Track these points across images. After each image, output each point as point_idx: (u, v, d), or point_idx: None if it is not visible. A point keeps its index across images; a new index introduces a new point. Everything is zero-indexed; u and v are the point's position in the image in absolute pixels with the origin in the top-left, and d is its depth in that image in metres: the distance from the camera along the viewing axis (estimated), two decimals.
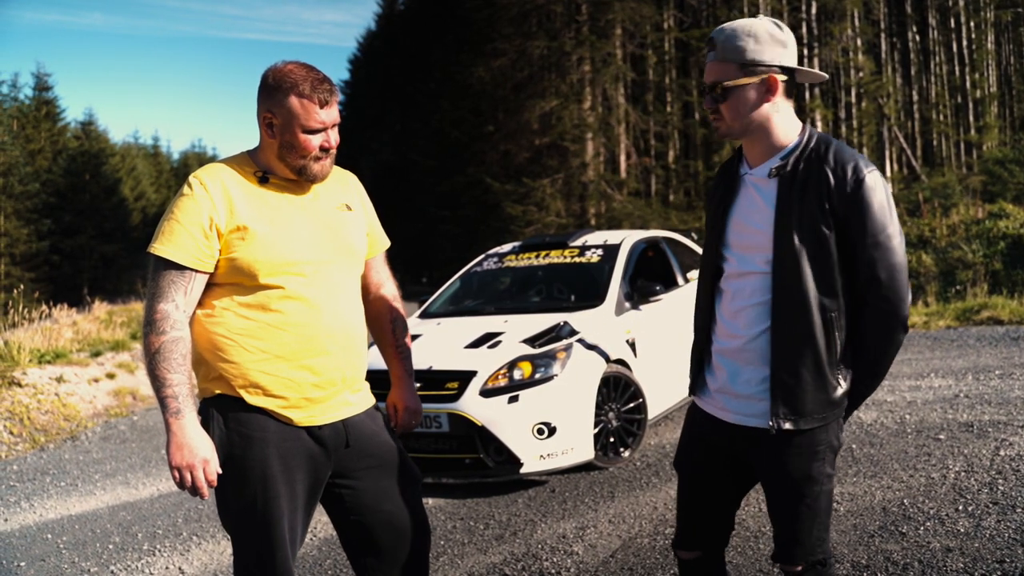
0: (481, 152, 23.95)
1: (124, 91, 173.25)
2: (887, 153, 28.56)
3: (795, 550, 1.89)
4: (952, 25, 32.32)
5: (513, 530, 3.83)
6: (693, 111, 24.13)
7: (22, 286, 15.02)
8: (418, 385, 2.37)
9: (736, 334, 1.88)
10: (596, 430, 4.60)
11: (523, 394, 4.37)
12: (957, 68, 32.27)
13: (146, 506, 4.80)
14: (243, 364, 1.89)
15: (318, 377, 1.94)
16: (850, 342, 1.83)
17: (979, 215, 15.37)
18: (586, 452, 4.50)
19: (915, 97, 31.95)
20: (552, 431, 4.36)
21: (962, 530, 3.21)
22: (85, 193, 41.98)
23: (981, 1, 32.10)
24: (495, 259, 6.23)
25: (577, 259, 5.74)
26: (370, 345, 2.58)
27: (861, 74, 27.27)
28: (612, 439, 4.73)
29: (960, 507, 3.46)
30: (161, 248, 1.86)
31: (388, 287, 2.30)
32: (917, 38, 32.17)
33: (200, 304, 1.93)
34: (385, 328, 2.30)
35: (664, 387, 5.27)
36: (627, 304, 5.26)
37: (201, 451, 1.81)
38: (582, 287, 5.56)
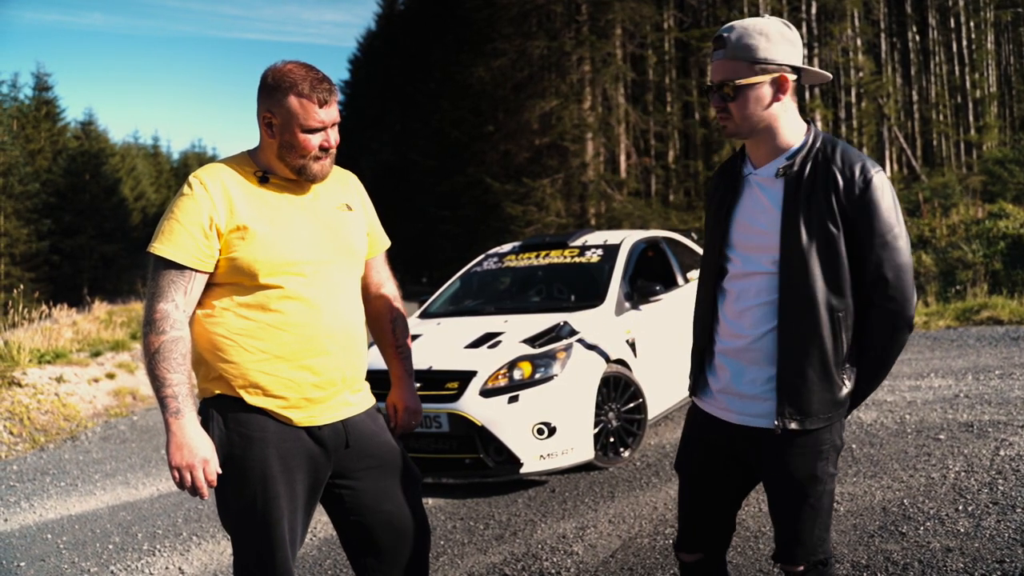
0: (481, 152, 23.96)
1: (124, 91, 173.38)
2: (887, 153, 28.57)
3: (797, 550, 1.89)
4: (952, 25, 32.33)
5: (513, 530, 3.83)
6: (693, 111, 24.14)
7: (22, 286, 15.02)
8: (418, 385, 2.37)
9: (740, 334, 1.88)
10: (596, 430, 4.60)
11: (523, 394, 4.37)
12: (957, 68, 32.28)
13: (146, 506, 4.80)
14: (243, 364, 1.89)
15: (318, 377, 1.94)
16: (855, 342, 1.84)
17: (979, 215, 15.38)
18: (586, 452, 4.50)
19: (915, 97, 31.96)
20: (552, 431, 4.36)
21: (962, 530, 3.21)
22: (85, 193, 41.99)
23: (981, 1, 32.11)
24: (495, 259, 6.23)
25: (577, 259, 5.74)
26: (370, 345, 2.58)
27: (861, 74, 27.28)
28: (612, 439, 4.73)
29: (960, 507, 3.46)
30: (161, 248, 1.86)
31: (388, 287, 2.30)
32: (917, 38, 32.18)
33: (200, 304, 1.92)
34: (385, 328, 2.30)
35: (664, 387, 5.27)
36: (627, 304, 5.26)
37: (201, 451, 1.81)
38: (582, 287, 5.56)
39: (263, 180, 1.97)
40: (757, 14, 19.25)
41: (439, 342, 4.92)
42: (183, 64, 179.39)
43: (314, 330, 1.92)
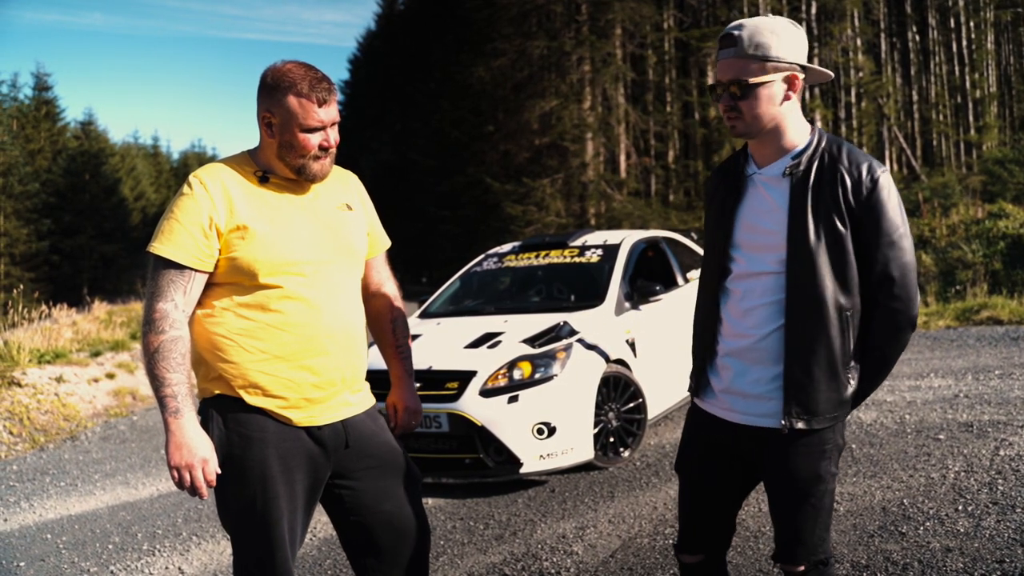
0: (481, 152, 23.95)
1: (124, 91, 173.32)
2: (887, 153, 28.57)
3: (798, 550, 1.89)
4: (952, 25, 32.32)
5: (513, 530, 3.83)
6: (693, 111, 24.13)
7: (22, 286, 15.01)
8: (418, 385, 2.37)
9: (745, 333, 1.87)
10: (596, 430, 4.60)
11: (523, 394, 4.37)
12: (957, 68, 32.28)
13: (146, 506, 4.80)
14: (242, 364, 1.89)
15: (318, 377, 1.93)
16: (859, 341, 1.84)
17: (979, 215, 15.38)
18: (586, 452, 4.50)
19: (915, 97, 31.96)
20: (552, 431, 4.36)
21: (962, 530, 3.21)
22: (85, 193, 41.98)
23: (981, 1, 32.11)
24: (495, 259, 6.23)
25: (577, 259, 5.74)
26: (370, 345, 2.58)
27: (861, 74, 27.29)
28: (612, 439, 4.72)
29: (960, 507, 3.46)
30: (161, 247, 1.86)
31: (389, 287, 2.30)
32: (917, 38, 32.18)
33: (200, 304, 1.92)
34: (385, 328, 2.30)
35: (664, 387, 5.27)
36: (627, 304, 5.25)
37: (200, 451, 1.81)
38: (582, 287, 5.56)
39: (263, 180, 1.97)
40: (757, 14, 19.30)
41: (439, 342, 4.92)
42: (183, 64, 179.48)
43: (314, 330, 1.92)
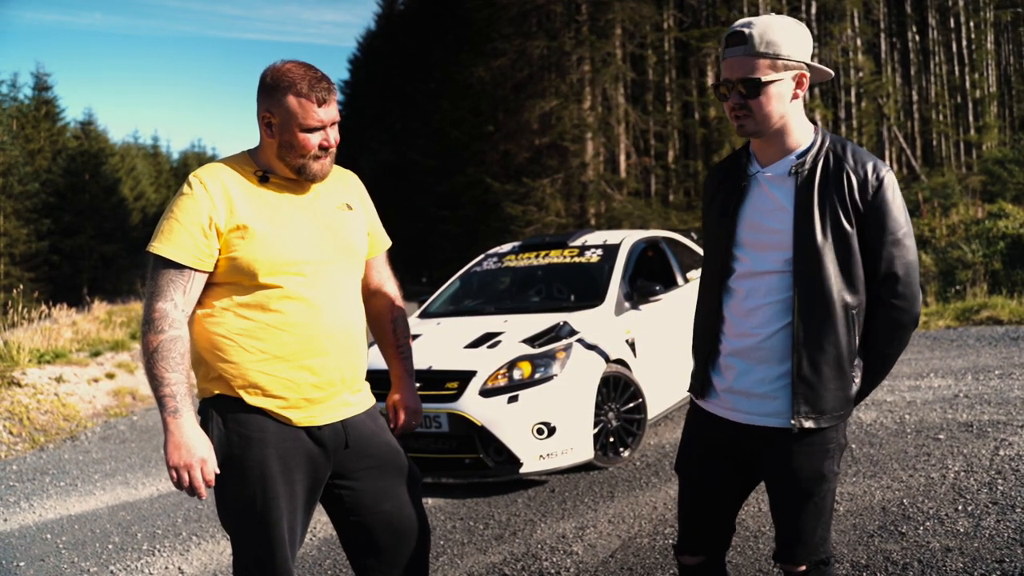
0: (481, 152, 23.94)
1: (124, 91, 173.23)
2: (887, 153, 28.57)
3: (798, 550, 1.89)
4: (952, 25, 32.33)
5: (513, 530, 3.83)
6: (693, 111, 24.12)
7: (22, 286, 15.00)
8: (418, 385, 2.37)
9: (749, 332, 1.87)
10: (596, 430, 4.60)
11: (523, 394, 4.37)
12: (957, 68, 32.29)
13: (145, 506, 4.80)
14: (242, 364, 1.88)
15: (317, 378, 1.93)
16: (862, 340, 1.85)
17: (979, 215, 15.38)
18: (586, 452, 4.50)
19: (915, 97, 31.96)
20: (552, 431, 4.36)
21: (961, 530, 3.21)
22: (85, 193, 41.97)
23: (981, 1, 32.11)
24: (495, 259, 6.23)
25: (577, 259, 5.74)
26: (370, 345, 2.58)
27: (861, 74, 27.29)
28: (612, 439, 4.72)
29: (959, 507, 3.46)
30: (160, 247, 1.86)
31: (389, 287, 2.30)
32: (917, 38, 32.18)
33: (200, 304, 1.92)
34: (386, 328, 2.30)
35: (664, 387, 5.27)
36: (627, 304, 5.25)
37: (199, 451, 1.81)
38: (582, 287, 5.56)
39: (263, 180, 1.96)
40: (757, 13, 19.30)
41: (439, 342, 4.92)
42: (183, 64, 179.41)
43: (314, 330, 1.92)
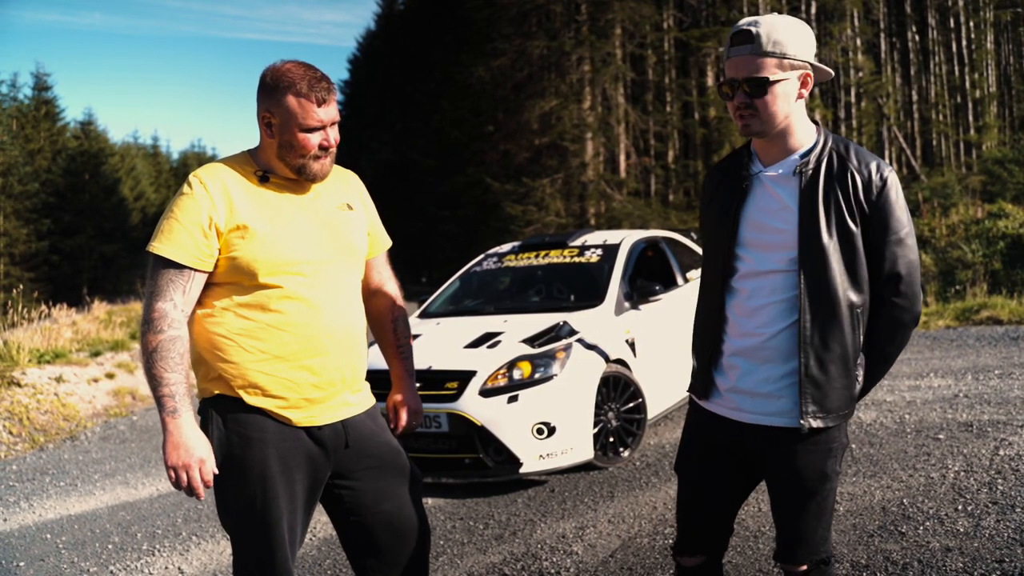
0: (481, 152, 23.94)
1: (124, 91, 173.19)
2: (887, 153, 28.57)
3: (800, 549, 1.89)
4: (952, 25, 32.32)
5: (513, 530, 3.83)
6: (693, 111, 24.12)
7: (21, 286, 14.99)
8: (417, 385, 2.37)
9: (753, 332, 1.87)
10: (596, 430, 4.60)
11: (523, 394, 4.37)
12: (956, 68, 32.28)
13: (145, 506, 4.80)
14: (242, 364, 1.88)
15: (317, 378, 1.93)
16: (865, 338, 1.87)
17: (978, 215, 15.38)
18: (586, 452, 4.50)
19: (915, 97, 31.96)
20: (552, 431, 4.36)
21: (961, 530, 3.21)
22: (84, 193, 41.98)
23: (981, 1, 32.10)
24: (495, 259, 6.23)
25: (576, 259, 5.74)
26: (370, 344, 2.58)
27: (861, 74, 27.28)
28: (612, 439, 4.72)
29: (959, 507, 3.46)
30: (160, 247, 1.85)
31: (390, 287, 2.30)
32: (917, 38, 32.18)
33: (200, 304, 1.92)
34: (387, 328, 2.30)
35: (664, 387, 5.27)
36: (627, 304, 5.26)
37: (197, 451, 1.81)
38: (582, 287, 5.56)
39: (263, 179, 1.96)
40: (757, 13, 19.31)
41: (439, 342, 4.92)
42: (183, 64, 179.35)
43: (314, 330, 1.92)
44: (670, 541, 3.43)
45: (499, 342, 4.70)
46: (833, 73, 1.91)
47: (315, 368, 1.93)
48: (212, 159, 2.61)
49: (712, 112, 23.06)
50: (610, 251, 5.66)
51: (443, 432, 4.44)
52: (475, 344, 4.74)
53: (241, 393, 1.89)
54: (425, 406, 4.27)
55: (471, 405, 4.36)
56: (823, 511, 1.88)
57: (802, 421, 1.81)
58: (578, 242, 5.97)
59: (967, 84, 32.13)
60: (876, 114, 28.34)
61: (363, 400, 2.08)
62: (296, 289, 1.91)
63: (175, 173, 66.39)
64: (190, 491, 1.81)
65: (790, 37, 1.78)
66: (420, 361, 4.55)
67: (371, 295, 2.27)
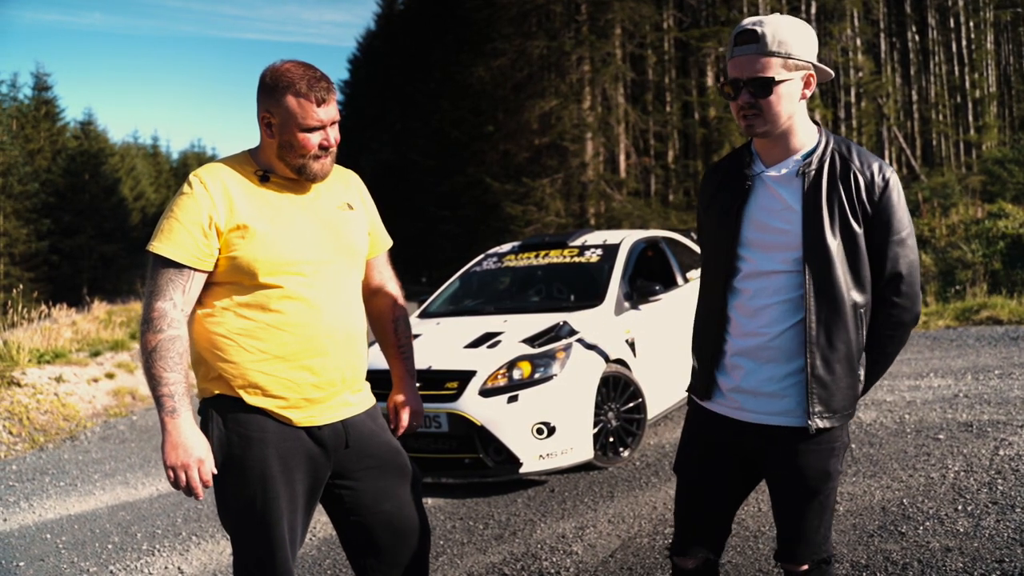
0: (481, 152, 23.95)
1: (124, 91, 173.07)
2: (887, 153, 28.57)
3: (801, 549, 1.90)
4: (951, 25, 32.32)
5: (512, 530, 3.83)
6: (693, 111, 24.12)
7: (21, 286, 14.99)
8: (417, 385, 2.36)
9: (756, 332, 1.87)
10: (595, 430, 4.60)
11: (522, 394, 4.37)
12: (956, 68, 32.28)
13: (145, 506, 4.79)
14: (242, 364, 1.88)
15: (317, 378, 1.93)
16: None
17: (978, 215, 15.39)
18: (585, 452, 4.50)
19: (914, 97, 31.96)
20: (551, 431, 4.36)
21: (961, 530, 3.21)
22: (84, 193, 41.99)
23: (981, 1, 32.10)
24: (494, 259, 6.23)
25: (576, 259, 5.74)
26: (371, 344, 2.58)
27: (861, 74, 27.28)
28: (611, 439, 4.72)
29: (959, 507, 3.46)
30: (160, 246, 1.85)
31: (391, 286, 2.30)
32: (916, 38, 32.18)
33: (200, 303, 1.92)
34: (387, 328, 2.30)
35: (664, 387, 5.27)
36: (626, 304, 5.26)
37: (196, 451, 1.81)
38: (581, 287, 5.56)
39: (264, 179, 1.96)
40: (757, 13, 19.29)
41: (439, 342, 4.92)
42: (183, 64, 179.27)
43: (314, 330, 1.92)
44: (670, 541, 3.42)
45: (499, 342, 4.70)
46: (833, 74, 1.92)
47: (315, 368, 1.93)
48: (212, 159, 2.61)
49: (712, 112, 23.07)
50: (610, 251, 5.66)
51: (443, 432, 4.44)
52: (475, 344, 4.74)
53: (241, 393, 1.89)
54: (425, 406, 4.27)
55: (471, 405, 4.36)
56: (825, 510, 1.88)
57: (809, 422, 1.81)
58: (578, 242, 5.97)
59: (967, 84, 32.13)
60: (876, 114, 28.35)
61: (363, 400, 2.08)
62: (296, 289, 1.91)
63: (175, 173, 66.38)
64: (189, 491, 1.81)
65: (795, 37, 1.78)
66: (420, 361, 4.55)
67: (372, 295, 2.27)
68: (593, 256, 5.68)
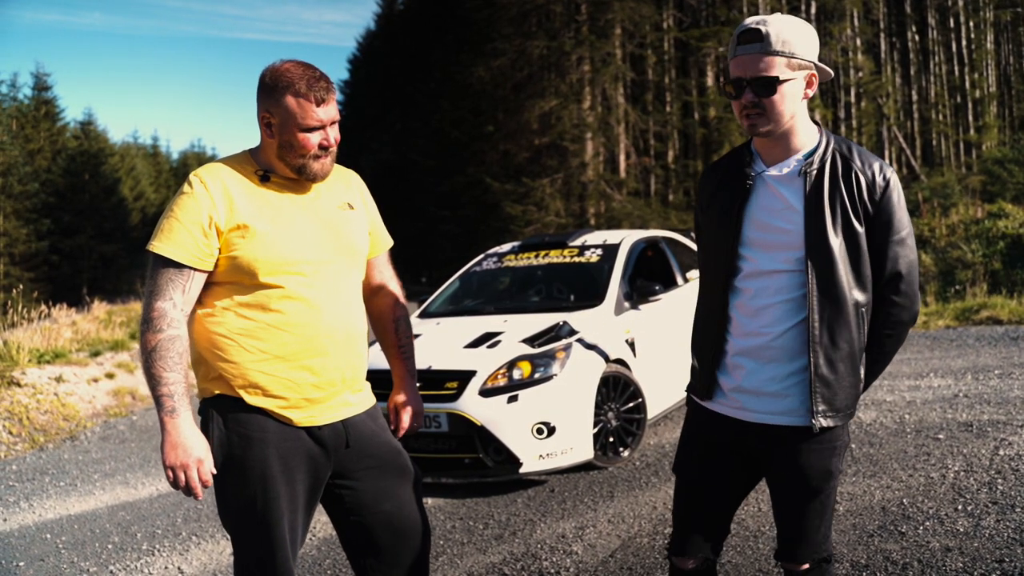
0: (481, 152, 23.95)
1: (124, 91, 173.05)
2: (887, 153, 28.57)
3: (801, 547, 1.90)
4: (951, 25, 32.33)
5: (512, 530, 3.83)
6: (693, 111, 24.12)
7: (21, 286, 14.99)
8: (418, 385, 2.36)
9: (758, 332, 1.87)
10: (595, 430, 4.60)
11: (522, 394, 4.37)
12: (956, 68, 32.28)
13: (145, 506, 4.79)
14: (243, 364, 1.88)
15: (318, 377, 1.93)
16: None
17: (978, 215, 15.39)
18: (585, 452, 4.50)
19: (914, 97, 31.96)
20: (551, 431, 4.36)
21: (961, 529, 3.21)
22: (84, 193, 41.99)
23: (981, 1, 32.11)
24: (494, 259, 6.23)
25: (576, 259, 5.74)
26: (371, 344, 2.58)
27: (860, 74, 27.29)
28: (611, 439, 4.72)
29: (959, 507, 3.46)
30: (160, 246, 1.85)
31: (392, 286, 2.30)
32: (916, 38, 32.18)
33: (200, 303, 1.92)
34: (388, 328, 2.29)
35: (663, 387, 5.27)
36: (626, 304, 5.26)
37: (195, 451, 1.81)
38: (581, 287, 5.56)
39: (264, 179, 1.96)
40: (756, 13, 19.30)
41: (438, 342, 4.92)
42: (183, 64, 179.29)
43: (314, 330, 1.92)
44: (668, 541, 3.43)
45: (499, 342, 4.70)
46: (832, 73, 1.92)
47: (315, 368, 1.93)
48: (212, 159, 2.61)
49: (712, 112, 23.07)
50: (610, 251, 5.66)
51: (443, 432, 4.44)
52: (475, 344, 4.74)
53: (242, 393, 1.89)
54: (425, 406, 4.27)
55: (471, 405, 4.36)
56: (825, 509, 1.89)
57: (813, 421, 1.82)
58: (578, 242, 5.97)
59: (967, 84, 32.14)
60: (876, 114, 28.35)
61: (364, 400, 2.08)
62: (296, 289, 1.91)
63: (175, 173, 66.38)
64: (188, 491, 1.81)
65: (798, 37, 1.79)
66: (420, 361, 4.55)
67: (372, 295, 2.26)
68: (593, 256, 5.68)
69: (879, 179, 1.81)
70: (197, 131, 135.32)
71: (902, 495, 3.69)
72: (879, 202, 1.80)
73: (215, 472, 1.86)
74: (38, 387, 7.58)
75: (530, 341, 4.66)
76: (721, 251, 1.93)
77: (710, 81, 23.82)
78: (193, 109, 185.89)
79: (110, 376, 8.57)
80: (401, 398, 2.30)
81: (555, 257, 5.87)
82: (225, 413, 1.90)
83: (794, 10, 24.88)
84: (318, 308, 1.93)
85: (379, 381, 2.51)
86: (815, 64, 1.83)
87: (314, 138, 1.91)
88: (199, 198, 1.87)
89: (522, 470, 4.33)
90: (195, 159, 70.76)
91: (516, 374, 4.44)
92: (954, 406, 5.27)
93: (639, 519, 3.79)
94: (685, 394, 2.13)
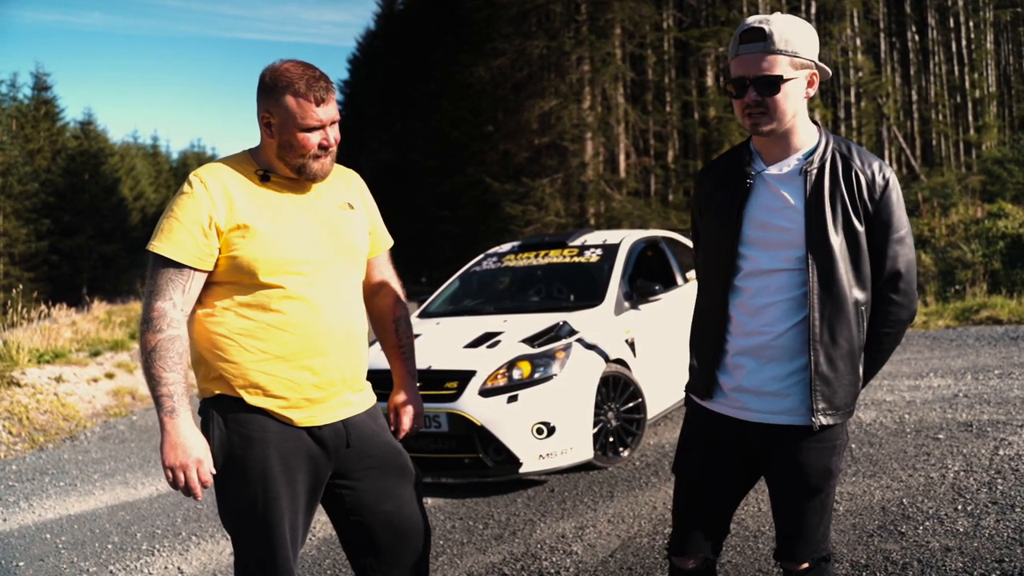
0: (481, 152, 23.95)
1: (124, 91, 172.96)
2: (886, 153, 28.57)
3: (801, 547, 1.90)
4: (951, 25, 32.32)
5: (512, 530, 3.83)
6: (692, 111, 24.12)
7: (21, 286, 14.98)
8: (417, 385, 2.36)
9: (759, 331, 1.87)
10: (595, 430, 4.60)
11: (522, 394, 4.37)
12: (956, 68, 32.28)
13: (145, 506, 4.79)
14: (243, 364, 1.88)
15: (318, 377, 1.93)
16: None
17: (978, 215, 15.39)
18: (585, 452, 4.50)
19: (914, 97, 31.96)
20: (551, 431, 4.36)
21: (961, 529, 3.21)
22: (84, 193, 41.98)
23: (980, 1, 32.11)
24: (494, 259, 6.23)
25: (576, 259, 5.74)
26: (371, 343, 2.58)
27: (860, 74, 27.28)
28: (611, 439, 4.72)
29: (959, 506, 3.46)
30: (160, 246, 1.85)
31: (392, 286, 2.29)
32: (916, 38, 32.18)
33: (200, 303, 1.92)
34: (388, 328, 2.29)
35: (663, 387, 5.27)
36: (626, 304, 5.26)
37: (195, 451, 1.81)
38: (581, 287, 5.56)
39: (264, 179, 1.96)
40: (756, 13, 19.29)
41: (438, 342, 4.92)
42: (183, 64, 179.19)
43: (314, 330, 1.92)
44: (667, 546, 3.43)
45: (499, 342, 4.70)
46: (830, 72, 1.92)
47: (316, 368, 1.93)
48: (212, 159, 2.61)
49: (712, 112, 23.07)
50: (610, 251, 5.66)
51: (443, 432, 4.44)
52: (475, 344, 4.74)
53: (242, 393, 1.89)
54: (425, 406, 4.27)
55: (471, 405, 4.36)
56: (825, 508, 1.89)
57: (813, 419, 1.82)
58: (578, 242, 5.97)
59: (967, 84, 32.13)
60: (876, 114, 28.35)
61: (364, 400, 2.08)
62: (297, 289, 1.91)
63: (175, 173, 66.35)
64: (187, 491, 1.81)
65: (800, 36, 1.80)
66: (420, 361, 4.54)
67: (373, 294, 2.26)
68: (593, 256, 5.68)
69: (879, 178, 1.82)
70: (197, 131, 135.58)
71: (902, 495, 3.69)
72: (879, 201, 1.81)
73: (214, 472, 1.86)
74: (38, 387, 7.58)
75: (530, 341, 4.66)
76: (721, 250, 1.93)
77: (710, 81, 23.82)
78: (193, 109, 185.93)
79: (110, 376, 8.57)
80: (401, 398, 2.30)
81: (555, 257, 5.87)
82: (225, 413, 1.90)
83: (794, 10, 24.88)
84: (318, 308, 1.93)
85: (379, 381, 2.51)
86: (816, 63, 1.83)
87: (314, 138, 1.91)
88: (199, 198, 1.87)
89: (522, 470, 4.33)
90: (195, 159, 70.75)
91: (516, 374, 4.44)
92: (954, 406, 5.27)
93: (639, 519, 3.79)
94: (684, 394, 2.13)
